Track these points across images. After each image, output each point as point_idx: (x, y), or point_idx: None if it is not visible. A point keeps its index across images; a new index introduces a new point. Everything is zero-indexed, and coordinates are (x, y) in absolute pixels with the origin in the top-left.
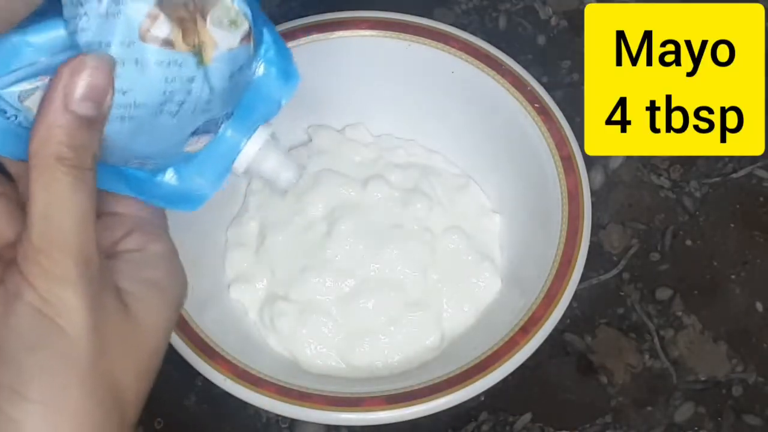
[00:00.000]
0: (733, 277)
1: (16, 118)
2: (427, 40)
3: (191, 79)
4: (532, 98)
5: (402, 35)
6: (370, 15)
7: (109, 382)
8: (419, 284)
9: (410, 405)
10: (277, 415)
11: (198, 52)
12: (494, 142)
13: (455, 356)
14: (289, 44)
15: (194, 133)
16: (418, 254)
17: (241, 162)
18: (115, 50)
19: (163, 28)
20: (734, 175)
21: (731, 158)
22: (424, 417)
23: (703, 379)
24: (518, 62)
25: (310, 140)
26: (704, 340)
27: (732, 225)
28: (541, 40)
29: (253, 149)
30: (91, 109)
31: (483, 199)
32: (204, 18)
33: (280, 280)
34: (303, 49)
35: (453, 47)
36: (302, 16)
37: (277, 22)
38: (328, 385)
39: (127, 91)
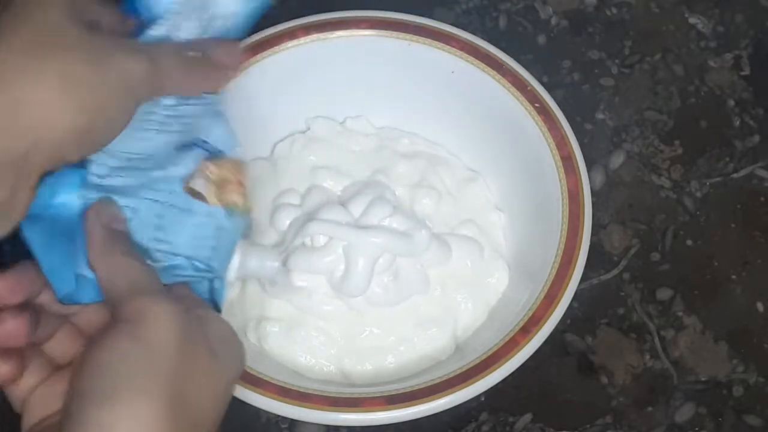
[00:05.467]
0: (733, 277)
1: None
2: (427, 40)
3: (220, 228)
4: (532, 98)
5: (402, 35)
6: (370, 15)
7: (187, 399)
8: (435, 298)
9: (410, 405)
10: (277, 415)
11: (229, 206)
12: (494, 141)
13: (457, 356)
14: (289, 44)
15: None
16: (436, 268)
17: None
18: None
19: (199, 184)
20: (735, 175)
21: (732, 158)
22: (424, 417)
23: (703, 379)
24: (518, 62)
25: (308, 129)
26: (705, 340)
27: (733, 225)
28: (541, 39)
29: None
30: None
31: (488, 195)
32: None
33: (252, 300)
34: (303, 49)
35: (453, 47)
36: (302, 16)
37: (277, 22)
38: (327, 385)
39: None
